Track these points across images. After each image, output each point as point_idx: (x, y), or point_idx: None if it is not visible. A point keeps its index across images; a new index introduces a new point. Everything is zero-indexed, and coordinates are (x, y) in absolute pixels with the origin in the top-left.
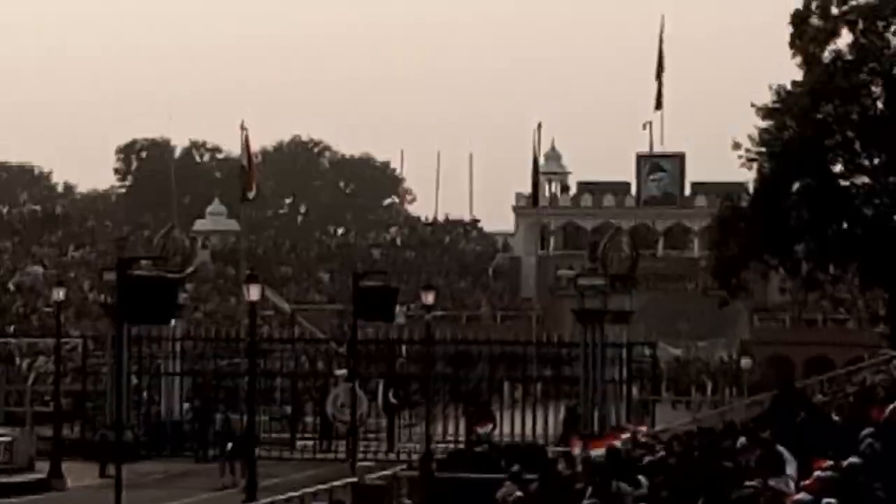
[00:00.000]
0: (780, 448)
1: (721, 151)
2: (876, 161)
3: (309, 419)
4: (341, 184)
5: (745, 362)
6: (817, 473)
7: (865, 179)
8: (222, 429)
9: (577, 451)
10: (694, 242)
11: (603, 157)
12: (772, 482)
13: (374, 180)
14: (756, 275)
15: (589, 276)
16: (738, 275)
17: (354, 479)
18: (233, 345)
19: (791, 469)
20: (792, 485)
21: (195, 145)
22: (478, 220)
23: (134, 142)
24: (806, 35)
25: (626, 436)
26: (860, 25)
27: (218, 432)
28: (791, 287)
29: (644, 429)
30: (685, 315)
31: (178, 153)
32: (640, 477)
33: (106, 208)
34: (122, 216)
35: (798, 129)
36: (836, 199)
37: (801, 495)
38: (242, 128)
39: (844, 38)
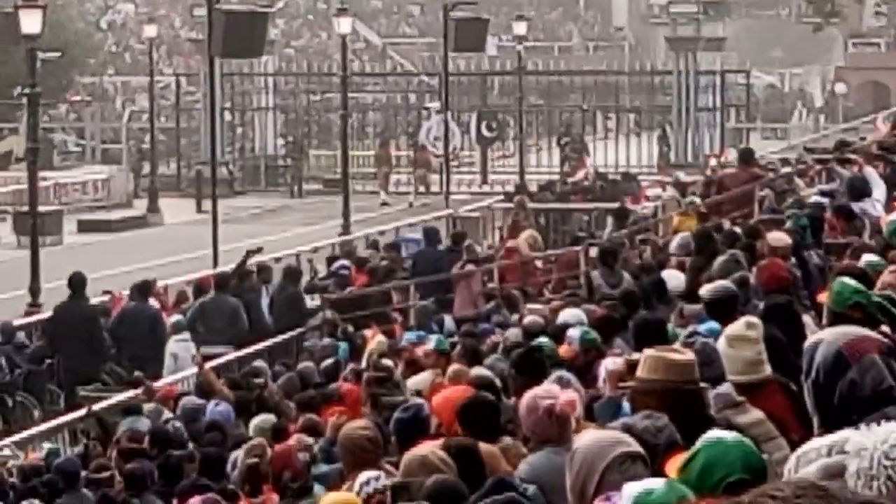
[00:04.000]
0: (869, 169)
1: None
2: None
3: (403, 153)
4: None
5: (840, 88)
6: None
7: None
8: None
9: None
10: None
11: None
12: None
13: None
14: None
15: (681, 2)
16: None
17: (449, 211)
18: (325, 79)
19: (879, 193)
20: (879, 207)
21: None
22: None
23: None
24: None
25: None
26: None
27: None
28: (887, 11)
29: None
30: (779, 42)
31: None
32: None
33: None
34: None
35: None
36: None
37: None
38: None
39: None
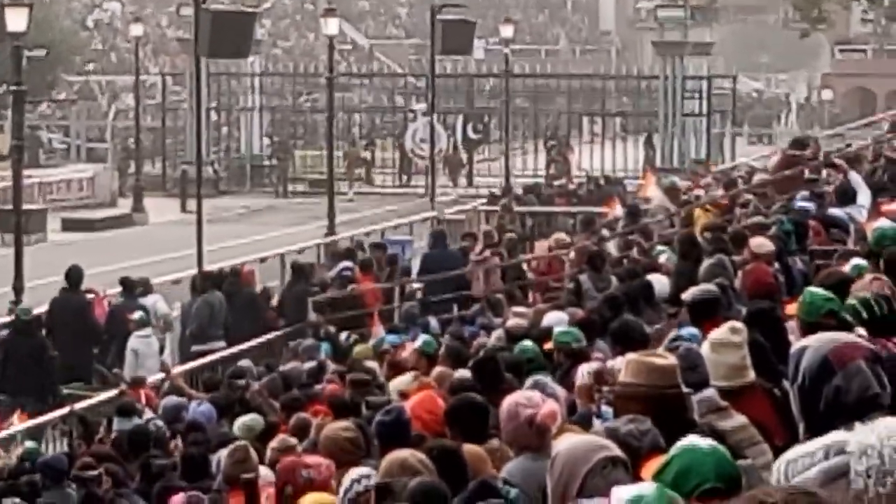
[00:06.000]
0: (854, 174)
1: None
2: None
3: (388, 154)
4: None
5: (827, 94)
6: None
7: None
8: None
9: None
10: None
11: None
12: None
13: None
14: (838, 5)
15: (669, 7)
16: (820, 5)
17: (433, 214)
18: (311, 80)
19: (864, 198)
20: (864, 213)
21: None
22: None
23: None
24: None
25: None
26: None
27: None
28: (874, 17)
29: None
30: (766, 47)
31: None
32: None
33: None
34: None
35: None
36: None
37: None
38: None
39: None
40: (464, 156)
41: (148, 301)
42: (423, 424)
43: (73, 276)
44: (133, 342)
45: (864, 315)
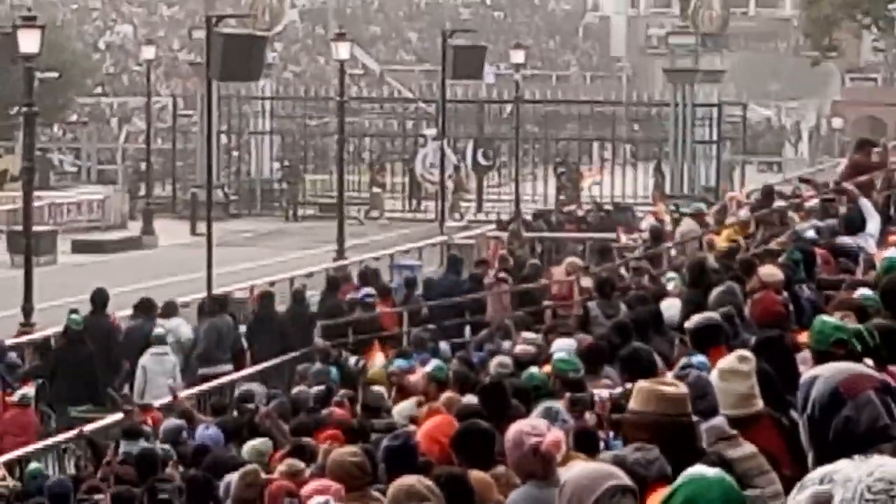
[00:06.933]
0: (864, 201)
1: None
2: None
3: (398, 179)
4: None
5: (837, 123)
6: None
7: None
8: None
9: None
10: (786, 1)
11: None
12: (847, 238)
13: None
14: (849, 34)
15: (680, 34)
16: (831, 34)
17: (444, 238)
18: (322, 104)
19: (873, 226)
20: (872, 242)
21: None
22: None
23: None
24: None
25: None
26: None
27: None
28: (885, 46)
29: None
30: (776, 75)
31: None
32: None
33: None
34: None
35: None
36: None
37: None
38: None
39: None
40: (466, 181)
41: (171, 324)
42: (441, 448)
43: (99, 298)
44: (144, 359)
45: (870, 343)
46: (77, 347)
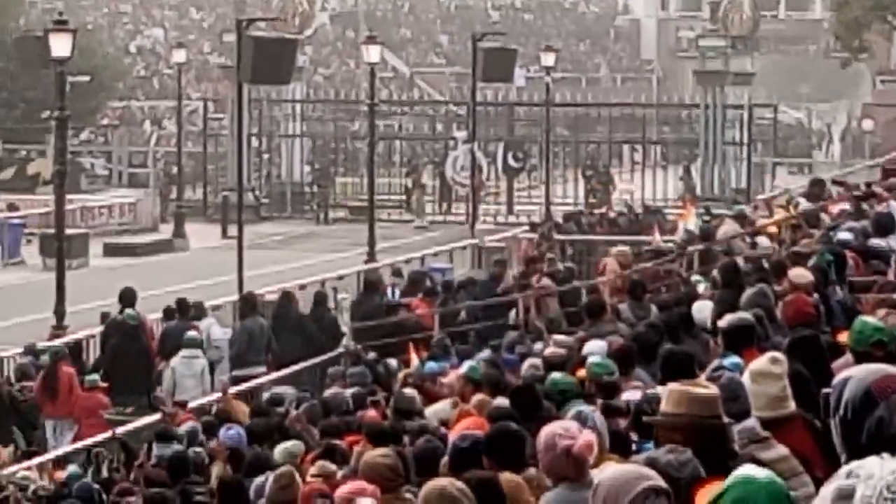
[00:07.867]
0: (894, 203)
1: None
2: None
3: (428, 182)
4: None
5: (867, 125)
6: None
7: None
8: None
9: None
10: (816, 3)
11: None
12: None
13: None
14: (879, 36)
15: (710, 36)
16: (861, 36)
17: (474, 241)
18: (352, 107)
19: None
20: None
21: None
22: None
23: None
24: None
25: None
26: None
27: None
28: None
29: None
30: (807, 77)
31: None
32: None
33: None
34: None
35: None
36: None
37: None
38: None
39: None
40: (489, 183)
41: (202, 324)
42: None
43: (127, 297)
44: (174, 361)
45: None
46: (133, 341)
